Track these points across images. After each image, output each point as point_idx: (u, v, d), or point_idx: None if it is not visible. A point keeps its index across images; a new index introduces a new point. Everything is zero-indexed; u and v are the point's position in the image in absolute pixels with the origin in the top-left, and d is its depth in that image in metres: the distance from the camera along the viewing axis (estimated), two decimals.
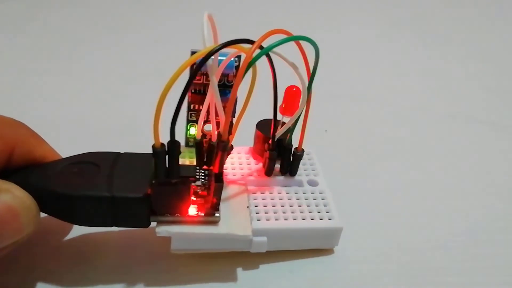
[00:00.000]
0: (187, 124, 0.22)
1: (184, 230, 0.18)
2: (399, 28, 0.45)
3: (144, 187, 0.18)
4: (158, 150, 0.17)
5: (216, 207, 0.19)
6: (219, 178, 0.18)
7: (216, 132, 0.19)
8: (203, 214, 0.19)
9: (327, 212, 0.21)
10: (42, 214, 0.18)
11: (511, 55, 0.42)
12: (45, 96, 0.33)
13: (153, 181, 0.18)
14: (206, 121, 0.21)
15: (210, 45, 0.16)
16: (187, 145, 0.23)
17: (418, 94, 0.35)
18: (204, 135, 0.21)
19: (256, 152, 0.23)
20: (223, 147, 0.18)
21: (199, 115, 0.21)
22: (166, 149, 0.17)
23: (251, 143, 0.24)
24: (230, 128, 0.18)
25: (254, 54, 0.17)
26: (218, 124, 0.19)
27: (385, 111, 0.33)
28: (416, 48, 0.42)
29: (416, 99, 0.35)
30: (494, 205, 0.25)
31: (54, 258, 0.20)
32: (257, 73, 0.18)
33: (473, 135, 0.31)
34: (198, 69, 0.16)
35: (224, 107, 0.18)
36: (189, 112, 0.22)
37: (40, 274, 0.20)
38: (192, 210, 0.19)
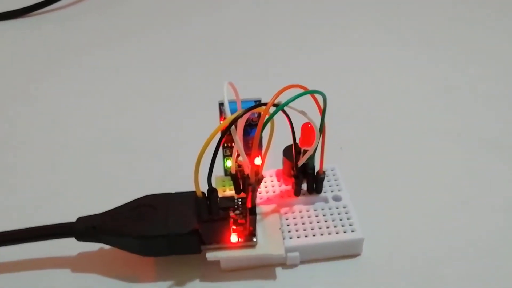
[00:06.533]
0: (224, 158, 0.26)
1: (229, 254, 0.23)
2: (414, 45, 0.43)
3: (193, 223, 0.22)
4: (199, 198, 0.21)
5: (253, 234, 0.23)
6: (252, 211, 0.22)
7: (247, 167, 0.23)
8: (242, 240, 0.23)
9: (350, 225, 0.24)
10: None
11: None
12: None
13: (199, 219, 0.22)
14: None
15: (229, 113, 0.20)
16: (225, 174, 0.27)
17: (437, 111, 0.35)
18: (239, 165, 0.25)
19: (285, 174, 0.27)
20: (252, 188, 0.21)
21: (233, 150, 0.24)
22: (206, 195, 0.21)
23: (280, 164, 0.27)
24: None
25: (271, 111, 0.20)
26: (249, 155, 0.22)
27: (400, 128, 0.33)
28: (434, 64, 0.40)
29: (434, 116, 0.34)
30: None
31: None
32: (275, 123, 0.22)
33: (497, 155, 0.31)
34: (222, 137, 0.19)
35: (250, 144, 0.22)
36: (224, 149, 0.26)
37: None
38: (234, 238, 0.23)
